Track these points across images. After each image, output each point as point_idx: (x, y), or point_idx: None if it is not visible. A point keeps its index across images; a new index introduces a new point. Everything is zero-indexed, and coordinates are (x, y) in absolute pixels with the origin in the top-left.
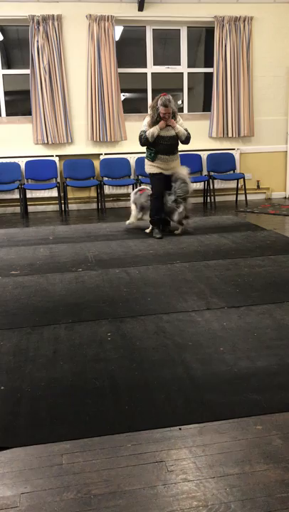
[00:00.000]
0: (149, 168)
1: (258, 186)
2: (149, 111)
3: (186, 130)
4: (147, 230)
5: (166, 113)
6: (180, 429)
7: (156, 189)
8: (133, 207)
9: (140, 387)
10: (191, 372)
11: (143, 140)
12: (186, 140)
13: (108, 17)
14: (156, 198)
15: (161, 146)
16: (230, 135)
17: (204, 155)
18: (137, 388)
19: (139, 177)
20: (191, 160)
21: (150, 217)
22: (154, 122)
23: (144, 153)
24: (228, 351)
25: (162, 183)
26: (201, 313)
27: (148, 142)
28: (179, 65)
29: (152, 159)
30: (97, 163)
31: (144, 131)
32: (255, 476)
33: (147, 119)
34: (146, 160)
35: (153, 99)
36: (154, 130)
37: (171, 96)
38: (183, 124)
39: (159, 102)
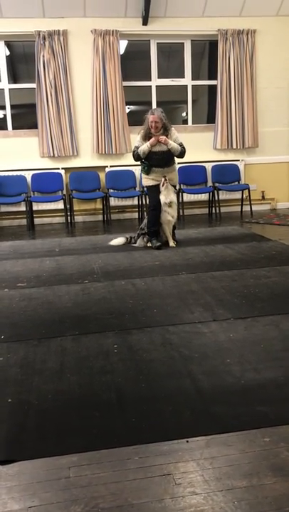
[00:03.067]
0: (145, 181)
1: (263, 197)
2: (142, 131)
3: (181, 144)
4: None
5: (153, 121)
6: (187, 441)
7: (153, 201)
8: None
9: (147, 399)
10: (198, 384)
11: (135, 156)
12: (181, 155)
13: (113, 31)
14: (154, 210)
15: (154, 160)
16: (234, 146)
17: (209, 166)
18: (144, 400)
19: (145, 189)
20: (196, 171)
21: (147, 229)
22: (146, 135)
23: None
24: (235, 363)
25: (159, 194)
26: (207, 324)
27: (140, 158)
28: (183, 77)
29: (146, 173)
30: (102, 176)
31: (138, 147)
32: (263, 489)
33: (140, 135)
34: (142, 174)
35: None
36: (145, 148)
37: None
38: (178, 138)
39: (148, 113)
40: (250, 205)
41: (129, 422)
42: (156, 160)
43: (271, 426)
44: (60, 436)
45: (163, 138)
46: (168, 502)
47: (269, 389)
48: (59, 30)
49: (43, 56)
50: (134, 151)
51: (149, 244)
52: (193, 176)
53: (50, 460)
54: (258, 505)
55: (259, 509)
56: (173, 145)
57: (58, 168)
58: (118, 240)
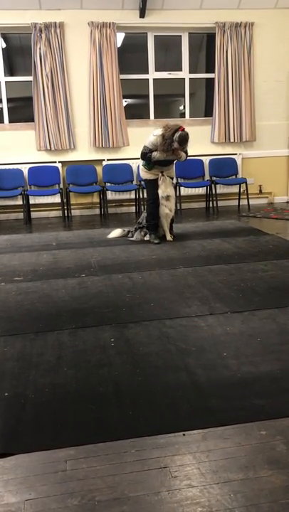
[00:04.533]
0: (145, 174)
1: (260, 191)
2: (160, 139)
3: (186, 152)
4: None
5: (178, 149)
6: (184, 434)
7: (152, 195)
8: None
9: (144, 392)
10: (195, 378)
11: (146, 158)
12: (184, 161)
13: (110, 24)
14: (152, 203)
15: (160, 162)
16: (232, 140)
17: (206, 160)
18: (141, 394)
19: (142, 182)
20: (193, 165)
21: (147, 222)
22: (163, 149)
23: None
24: (232, 356)
25: (157, 188)
26: (204, 318)
27: (149, 160)
28: (181, 70)
29: (149, 169)
30: (99, 169)
31: (149, 150)
32: (259, 481)
33: (157, 139)
34: (142, 166)
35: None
36: (160, 157)
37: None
38: (187, 146)
39: (176, 138)
40: (248, 199)
41: (126, 416)
42: (162, 162)
43: (267, 419)
44: (56, 429)
45: (179, 152)
46: (164, 495)
47: (265, 382)
48: (55, 23)
49: (40, 49)
50: (145, 152)
51: (146, 238)
52: (190, 169)
53: (46, 453)
54: (254, 497)
55: (255, 501)
56: (182, 157)
57: (55, 162)
58: (115, 232)
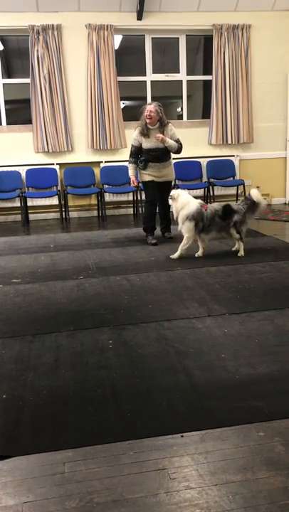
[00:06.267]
0: (141, 176)
1: None
2: (139, 128)
3: (178, 141)
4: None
5: (149, 110)
6: (182, 436)
7: (149, 196)
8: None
9: (142, 394)
10: (193, 380)
11: (135, 156)
12: (177, 151)
13: (107, 26)
14: (150, 205)
15: (150, 155)
16: (229, 142)
17: (204, 162)
18: (139, 396)
19: (140, 184)
20: (191, 167)
21: (143, 224)
22: (142, 130)
23: None
24: (230, 358)
25: (155, 190)
26: (202, 319)
27: (137, 156)
28: (178, 72)
29: (143, 168)
30: (97, 171)
31: (134, 147)
32: (257, 483)
33: (137, 131)
34: (129, 165)
35: None
36: (147, 145)
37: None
38: (175, 134)
39: (145, 105)
40: None
41: (124, 417)
42: (152, 156)
43: (266, 420)
44: (54, 431)
45: (160, 136)
46: (163, 496)
47: (264, 384)
48: (53, 25)
49: (37, 51)
50: (132, 150)
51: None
52: (188, 171)
53: (44, 455)
54: (252, 499)
55: (253, 503)
56: (170, 143)
57: (53, 164)
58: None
